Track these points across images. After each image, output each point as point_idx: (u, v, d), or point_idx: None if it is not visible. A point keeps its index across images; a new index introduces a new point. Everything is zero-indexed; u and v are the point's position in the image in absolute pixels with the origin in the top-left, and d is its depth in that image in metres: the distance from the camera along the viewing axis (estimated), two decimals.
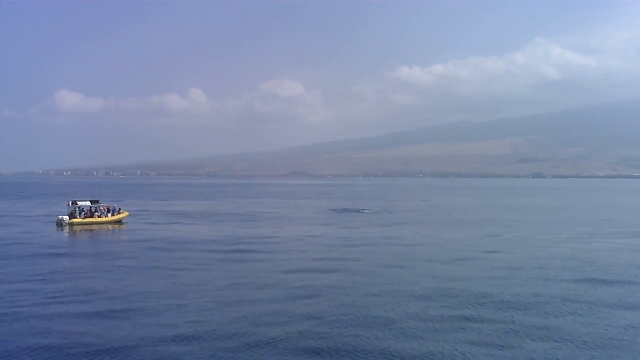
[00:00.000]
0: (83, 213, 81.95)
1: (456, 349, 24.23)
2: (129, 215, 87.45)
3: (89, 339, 25.34)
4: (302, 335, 26.23)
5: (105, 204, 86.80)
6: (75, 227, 77.33)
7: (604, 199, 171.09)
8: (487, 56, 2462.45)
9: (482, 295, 34.24)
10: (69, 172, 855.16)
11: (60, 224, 78.80)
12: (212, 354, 23.59)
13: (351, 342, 25.21)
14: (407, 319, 28.97)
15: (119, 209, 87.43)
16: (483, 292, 35.28)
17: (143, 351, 23.96)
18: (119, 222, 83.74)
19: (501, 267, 44.26)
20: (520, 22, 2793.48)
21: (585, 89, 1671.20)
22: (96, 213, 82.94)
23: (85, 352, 23.81)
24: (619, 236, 67.38)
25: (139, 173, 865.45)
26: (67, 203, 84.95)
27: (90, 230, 75.60)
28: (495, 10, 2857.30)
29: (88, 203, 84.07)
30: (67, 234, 71.23)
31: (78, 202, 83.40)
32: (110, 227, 79.60)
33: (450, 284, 37.58)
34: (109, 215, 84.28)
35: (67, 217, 79.70)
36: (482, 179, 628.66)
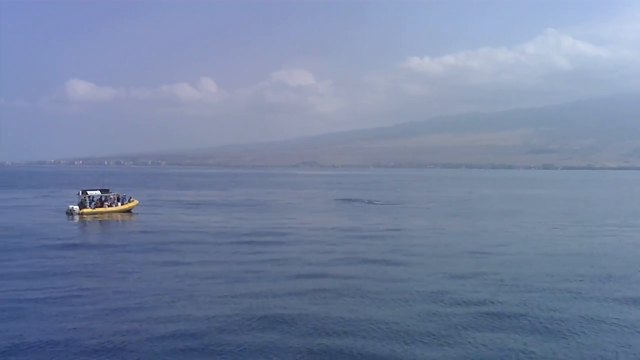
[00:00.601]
0: (93, 203, 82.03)
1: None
2: (139, 204, 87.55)
3: (97, 337, 25.15)
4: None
5: (115, 193, 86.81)
6: (85, 217, 77.49)
7: (615, 191, 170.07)
8: (498, 47, 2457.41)
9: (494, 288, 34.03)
10: (80, 162, 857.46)
11: (70, 213, 78.90)
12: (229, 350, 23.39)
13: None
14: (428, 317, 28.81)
15: (129, 198, 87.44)
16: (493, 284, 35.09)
17: (151, 349, 23.79)
18: (128, 211, 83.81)
19: (508, 262, 43.99)
20: (531, 13, 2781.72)
21: (597, 80, 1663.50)
22: (106, 202, 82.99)
23: (95, 349, 23.65)
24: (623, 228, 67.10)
25: (149, 162, 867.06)
26: (77, 192, 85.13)
27: (100, 220, 75.75)
28: (505, 0, 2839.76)
29: (98, 192, 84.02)
30: (76, 224, 71.23)
31: (88, 192, 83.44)
32: (120, 216, 79.74)
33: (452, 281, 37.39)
34: (119, 204, 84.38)
35: (77, 207, 79.73)
36: (493, 170, 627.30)
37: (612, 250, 49.38)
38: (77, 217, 77.02)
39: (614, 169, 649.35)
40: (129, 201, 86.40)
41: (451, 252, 47.83)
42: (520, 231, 63.02)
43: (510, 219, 77.20)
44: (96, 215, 78.87)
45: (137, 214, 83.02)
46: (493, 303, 30.45)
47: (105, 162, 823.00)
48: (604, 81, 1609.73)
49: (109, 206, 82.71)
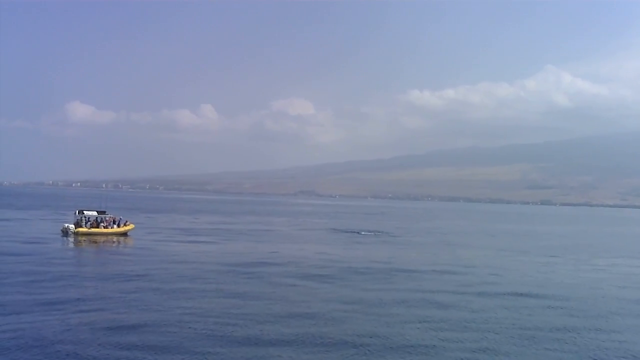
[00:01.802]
0: (89, 223, 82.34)
1: None
2: (134, 228, 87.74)
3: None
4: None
5: (112, 215, 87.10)
6: (80, 237, 77.69)
7: (612, 228, 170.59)
8: (497, 82, 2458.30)
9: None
10: (78, 184, 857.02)
11: (65, 232, 79.24)
12: None
13: None
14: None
15: (125, 221, 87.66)
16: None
17: None
18: (124, 234, 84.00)
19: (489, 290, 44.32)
20: (532, 49, 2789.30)
21: (596, 118, 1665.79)
22: (102, 224, 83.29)
23: None
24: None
25: (147, 187, 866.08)
26: (74, 212, 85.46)
27: (95, 241, 75.91)
28: (506, 36, 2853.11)
29: (94, 213, 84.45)
30: (71, 246, 71.20)
31: (84, 212, 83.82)
32: (115, 238, 79.88)
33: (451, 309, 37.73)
34: (115, 226, 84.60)
35: (73, 226, 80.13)
36: (491, 204, 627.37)
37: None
38: (72, 237, 77.24)
39: (611, 206, 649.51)
40: (125, 224, 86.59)
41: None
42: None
43: (496, 251, 77.58)
44: (91, 236, 79.07)
45: (132, 235, 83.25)
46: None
47: (104, 185, 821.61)
48: (602, 119, 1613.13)
49: (104, 227, 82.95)
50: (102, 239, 78.22)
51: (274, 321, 32.34)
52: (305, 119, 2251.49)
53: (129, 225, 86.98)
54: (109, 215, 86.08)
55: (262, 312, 34.60)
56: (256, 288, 42.66)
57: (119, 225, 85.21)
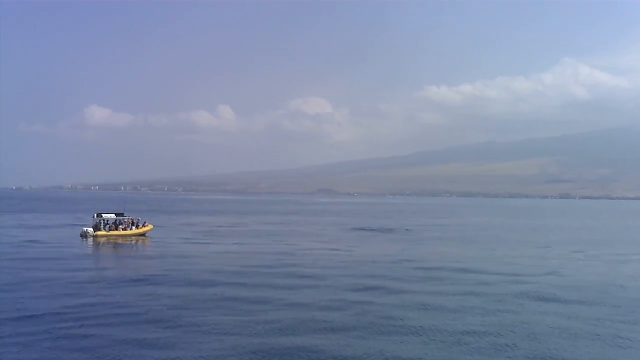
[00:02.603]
0: (107, 226, 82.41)
1: None
2: (153, 229, 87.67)
3: None
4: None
5: (130, 217, 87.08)
6: (99, 239, 77.71)
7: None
8: (515, 76, 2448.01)
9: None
10: (97, 187, 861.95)
11: (84, 235, 79.26)
12: None
13: None
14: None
15: (144, 222, 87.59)
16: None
17: None
18: (142, 235, 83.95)
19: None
20: (549, 42, 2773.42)
21: (615, 110, 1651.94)
22: (120, 226, 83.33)
23: None
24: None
25: (166, 189, 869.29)
26: (92, 215, 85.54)
27: (114, 242, 75.90)
28: (522, 30, 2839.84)
29: (113, 216, 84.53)
30: (90, 249, 71.06)
31: (103, 215, 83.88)
32: (134, 239, 79.79)
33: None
34: (134, 228, 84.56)
35: (92, 229, 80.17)
36: (510, 199, 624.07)
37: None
38: (91, 240, 77.26)
39: (631, 199, 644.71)
40: (144, 225, 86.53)
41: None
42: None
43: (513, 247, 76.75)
44: (110, 238, 79.10)
45: (150, 236, 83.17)
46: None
47: (122, 188, 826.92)
48: (621, 111, 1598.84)
49: (123, 229, 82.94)
50: (121, 240, 78.25)
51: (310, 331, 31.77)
52: (322, 117, 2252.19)
53: (147, 226, 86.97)
54: (127, 217, 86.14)
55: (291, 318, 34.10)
56: (280, 290, 42.10)
57: (137, 227, 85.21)
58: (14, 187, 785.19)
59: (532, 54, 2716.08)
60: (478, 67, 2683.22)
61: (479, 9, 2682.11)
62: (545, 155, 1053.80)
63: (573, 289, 42.44)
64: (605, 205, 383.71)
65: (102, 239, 78.01)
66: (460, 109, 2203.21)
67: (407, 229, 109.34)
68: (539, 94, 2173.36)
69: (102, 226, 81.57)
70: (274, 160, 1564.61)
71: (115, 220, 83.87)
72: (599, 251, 71.33)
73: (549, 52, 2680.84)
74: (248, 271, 49.30)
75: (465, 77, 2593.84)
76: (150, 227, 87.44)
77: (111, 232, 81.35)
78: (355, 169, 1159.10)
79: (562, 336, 28.99)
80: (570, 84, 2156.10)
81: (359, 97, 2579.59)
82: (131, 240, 79.30)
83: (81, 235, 79.68)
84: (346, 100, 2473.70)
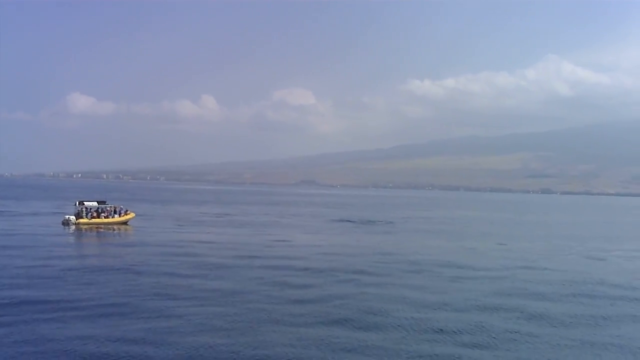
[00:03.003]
0: (89, 214, 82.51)
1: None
2: (135, 217, 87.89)
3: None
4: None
5: (112, 205, 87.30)
6: (81, 227, 77.84)
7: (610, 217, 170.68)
8: (498, 71, 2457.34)
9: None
10: (79, 175, 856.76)
11: (66, 223, 79.33)
12: None
13: None
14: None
15: (126, 210, 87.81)
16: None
17: None
18: (124, 223, 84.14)
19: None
20: (533, 38, 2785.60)
21: (597, 107, 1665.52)
22: (103, 214, 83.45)
23: None
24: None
25: (148, 178, 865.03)
26: (74, 203, 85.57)
27: (96, 230, 76.06)
28: (507, 25, 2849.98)
29: (95, 204, 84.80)
30: (71, 236, 71.22)
31: (85, 203, 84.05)
32: (116, 228, 79.94)
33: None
34: (116, 216, 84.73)
35: (74, 217, 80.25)
36: (492, 193, 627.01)
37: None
38: (73, 227, 77.35)
39: (612, 195, 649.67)
40: (126, 213, 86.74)
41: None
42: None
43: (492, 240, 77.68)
44: (92, 226, 79.26)
45: (132, 225, 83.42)
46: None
47: (104, 176, 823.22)
48: (603, 108, 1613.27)
49: (105, 217, 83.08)
50: (103, 228, 78.39)
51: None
52: (306, 108, 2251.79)
53: (129, 214, 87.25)
54: (109, 205, 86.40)
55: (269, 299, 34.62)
56: (257, 278, 42.56)
57: (120, 215, 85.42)
58: None
59: (516, 50, 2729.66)
60: (462, 61, 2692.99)
61: (464, 5, 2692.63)
62: (527, 150, 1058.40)
63: (549, 283, 43.16)
64: (585, 201, 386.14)
65: (84, 227, 78.17)
66: (443, 103, 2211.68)
67: (389, 222, 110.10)
68: (522, 90, 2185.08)
69: (84, 214, 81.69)
70: (258, 151, 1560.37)
71: (98, 208, 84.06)
72: (580, 247, 72.20)
73: (533, 48, 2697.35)
74: (228, 263, 49.47)
75: (449, 71, 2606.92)
76: (132, 215, 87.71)
77: (93, 220, 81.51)
78: (339, 161, 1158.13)
79: (529, 336, 29.59)
80: (553, 80, 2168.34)
81: (343, 89, 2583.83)
82: (113, 228, 79.51)
83: (63, 223, 79.73)
84: (330, 92, 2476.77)
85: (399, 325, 29.19)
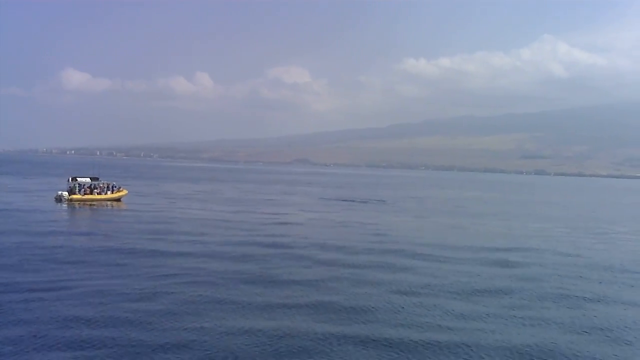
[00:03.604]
0: (82, 190, 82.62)
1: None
2: (127, 194, 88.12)
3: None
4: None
5: (105, 182, 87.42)
6: (74, 203, 78.02)
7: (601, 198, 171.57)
8: (494, 51, 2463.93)
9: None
10: (72, 152, 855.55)
11: (59, 199, 79.46)
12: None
13: None
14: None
15: (119, 187, 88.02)
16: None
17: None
18: (117, 200, 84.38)
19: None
20: (528, 18, 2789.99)
21: (592, 88, 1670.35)
22: (95, 190, 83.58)
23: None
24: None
25: (142, 155, 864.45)
26: (67, 179, 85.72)
27: (89, 207, 76.27)
28: (503, 5, 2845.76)
29: (88, 180, 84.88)
30: (65, 212, 71.39)
31: (78, 179, 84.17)
32: (109, 204, 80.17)
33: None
34: (109, 192, 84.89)
35: (67, 193, 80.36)
36: (485, 174, 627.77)
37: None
38: (65, 203, 77.51)
39: (604, 176, 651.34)
40: (119, 190, 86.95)
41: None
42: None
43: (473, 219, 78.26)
44: (85, 202, 79.46)
45: (125, 201, 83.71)
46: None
47: (98, 153, 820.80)
48: (598, 89, 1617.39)
49: (98, 194, 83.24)
50: (96, 204, 78.61)
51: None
52: (302, 87, 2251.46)
53: (122, 191, 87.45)
54: (102, 182, 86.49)
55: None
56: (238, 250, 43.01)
57: (112, 191, 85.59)
58: None
59: (512, 30, 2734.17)
60: (457, 41, 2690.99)
61: None
62: (522, 131, 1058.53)
63: (541, 265, 43.84)
64: (578, 183, 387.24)
65: (77, 203, 78.37)
66: (438, 83, 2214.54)
67: (381, 200, 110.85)
68: (517, 70, 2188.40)
69: (77, 190, 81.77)
70: (252, 129, 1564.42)
71: (91, 184, 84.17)
72: (568, 227, 73.01)
73: (528, 28, 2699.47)
74: (219, 240, 50.00)
75: (445, 50, 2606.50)
76: (125, 192, 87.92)
77: (86, 196, 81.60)
78: (333, 140, 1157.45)
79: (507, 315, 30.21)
80: (548, 61, 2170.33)
81: (338, 67, 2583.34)
82: (106, 204, 79.73)
83: (56, 199, 79.87)
84: (326, 71, 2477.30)
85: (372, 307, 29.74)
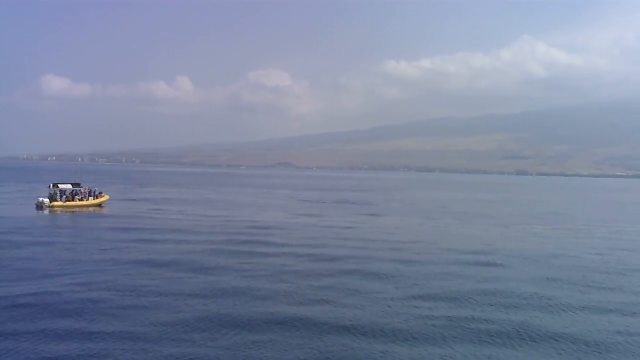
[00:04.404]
0: (64, 196, 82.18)
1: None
2: (109, 199, 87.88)
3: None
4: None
5: (87, 187, 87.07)
6: (55, 210, 77.53)
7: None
8: (474, 52, 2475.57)
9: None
10: (54, 158, 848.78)
11: (40, 206, 78.84)
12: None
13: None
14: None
15: (100, 192, 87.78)
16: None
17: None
18: (99, 205, 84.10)
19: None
20: (508, 19, 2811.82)
21: (571, 88, 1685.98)
22: (77, 196, 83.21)
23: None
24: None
25: (124, 160, 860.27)
26: (48, 185, 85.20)
27: (71, 212, 75.80)
28: (482, 6, 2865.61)
29: (69, 186, 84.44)
30: (45, 220, 70.10)
31: (59, 185, 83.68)
32: (90, 210, 79.80)
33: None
34: (90, 198, 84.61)
35: (48, 200, 79.79)
36: (467, 175, 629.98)
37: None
38: (47, 210, 76.98)
39: (585, 176, 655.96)
40: (100, 195, 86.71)
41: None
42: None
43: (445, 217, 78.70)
44: (66, 209, 79.05)
45: (106, 206, 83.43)
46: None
47: (79, 159, 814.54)
48: (577, 89, 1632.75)
49: (80, 200, 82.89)
50: (77, 211, 78.24)
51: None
52: (283, 90, 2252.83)
53: (104, 196, 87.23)
54: (83, 188, 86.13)
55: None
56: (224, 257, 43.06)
57: (94, 197, 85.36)
58: None
59: (492, 31, 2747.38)
60: (437, 42, 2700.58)
61: None
62: (503, 132, 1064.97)
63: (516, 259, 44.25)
64: (560, 182, 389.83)
65: (59, 210, 77.94)
66: (419, 84, 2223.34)
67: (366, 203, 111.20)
68: (497, 71, 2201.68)
69: (58, 197, 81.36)
70: (234, 133, 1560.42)
71: (72, 190, 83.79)
72: (550, 225, 73.62)
73: (507, 28, 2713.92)
74: (203, 248, 50.09)
75: (425, 52, 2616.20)
76: (106, 197, 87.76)
77: (67, 203, 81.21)
78: (315, 143, 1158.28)
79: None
80: (528, 61, 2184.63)
81: (319, 70, 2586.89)
82: (88, 210, 79.39)
83: (37, 206, 79.17)
84: (306, 74, 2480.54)
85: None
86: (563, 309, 29.82)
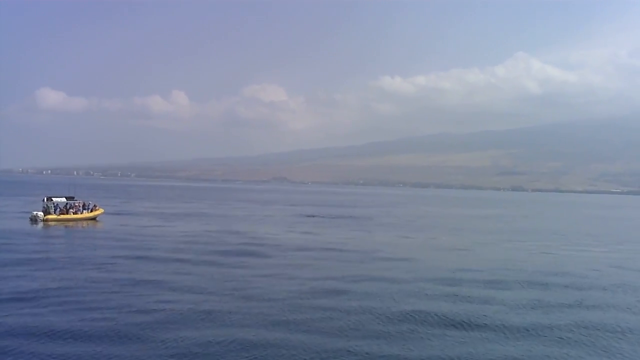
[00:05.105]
0: (58, 210, 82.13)
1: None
2: (103, 213, 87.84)
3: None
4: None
5: (81, 201, 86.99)
6: (49, 224, 77.42)
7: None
8: (469, 68, 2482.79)
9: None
10: (49, 171, 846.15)
11: (34, 220, 78.75)
12: None
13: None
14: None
15: (94, 206, 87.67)
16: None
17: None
18: (93, 219, 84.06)
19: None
20: (503, 36, 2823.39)
21: (565, 104, 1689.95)
22: (71, 210, 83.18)
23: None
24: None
25: (119, 174, 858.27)
26: (42, 199, 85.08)
27: (65, 227, 75.65)
28: (477, 23, 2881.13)
29: (63, 199, 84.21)
30: (39, 234, 69.69)
31: (53, 199, 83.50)
32: (85, 224, 79.73)
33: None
34: (85, 211, 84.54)
35: (42, 214, 79.69)
36: (462, 191, 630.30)
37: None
38: (41, 224, 76.85)
39: (580, 192, 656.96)
40: (95, 209, 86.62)
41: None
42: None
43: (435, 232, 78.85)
44: (60, 222, 78.94)
45: (101, 220, 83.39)
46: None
47: (75, 173, 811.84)
48: (571, 105, 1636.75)
49: (74, 213, 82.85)
50: (72, 224, 78.15)
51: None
52: (278, 105, 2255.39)
53: (98, 210, 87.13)
54: (78, 201, 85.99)
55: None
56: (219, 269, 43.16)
57: (89, 210, 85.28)
58: None
59: (487, 47, 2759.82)
60: (432, 58, 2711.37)
61: (434, 1, 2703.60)
62: (498, 148, 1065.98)
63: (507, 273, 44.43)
64: (555, 199, 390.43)
65: (53, 223, 77.84)
66: (414, 100, 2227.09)
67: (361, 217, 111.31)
68: (492, 87, 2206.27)
69: (52, 210, 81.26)
70: (229, 147, 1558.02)
71: (66, 204, 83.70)
72: (542, 242, 73.84)
73: (502, 45, 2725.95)
74: (195, 259, 50.21)
75: (420, 68, 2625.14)
76: (101, 211, 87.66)
77: (62, 216, 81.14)
78: (310, 158, 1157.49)
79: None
80: (522, 78, 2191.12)
81: (314, 85, 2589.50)
82: (82, 224, 79.33)
83: (31, 220, 79.12)
84: (302, 89, 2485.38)
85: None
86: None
